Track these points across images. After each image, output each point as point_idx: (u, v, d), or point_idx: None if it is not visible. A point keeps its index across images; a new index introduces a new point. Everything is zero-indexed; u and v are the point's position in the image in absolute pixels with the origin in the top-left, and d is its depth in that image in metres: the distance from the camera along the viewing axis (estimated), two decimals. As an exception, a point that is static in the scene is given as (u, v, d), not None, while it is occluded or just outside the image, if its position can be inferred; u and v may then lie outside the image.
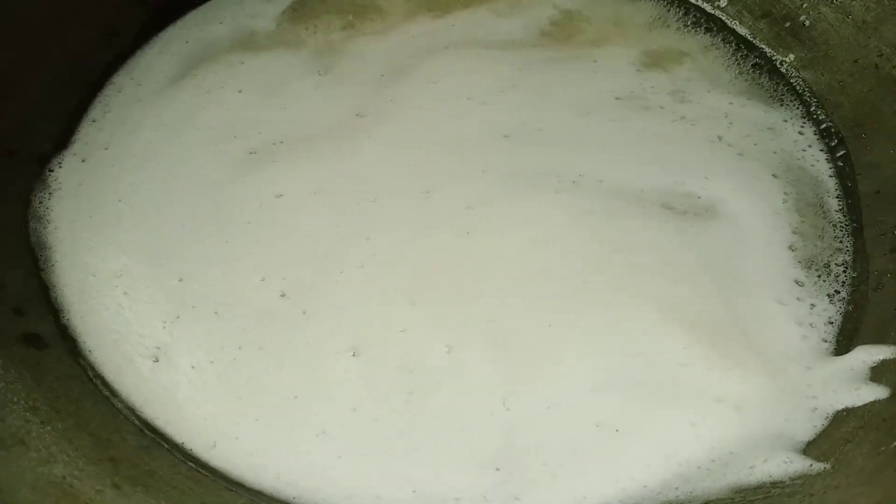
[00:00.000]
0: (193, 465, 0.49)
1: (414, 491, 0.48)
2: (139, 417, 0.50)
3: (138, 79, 0.65)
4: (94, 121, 0.63)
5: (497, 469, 0.48)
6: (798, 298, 0.56)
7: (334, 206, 0.58)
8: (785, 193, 0.61)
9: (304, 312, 0.53)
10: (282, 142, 0.61)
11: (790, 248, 0.58)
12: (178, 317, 0.53)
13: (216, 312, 0.54)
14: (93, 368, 0.52)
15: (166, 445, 0.49)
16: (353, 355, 0.52)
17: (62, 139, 0.61)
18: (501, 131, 0.62)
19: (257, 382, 0.51)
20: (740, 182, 0.61)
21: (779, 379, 0.52)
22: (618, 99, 0.65)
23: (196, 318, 0.53)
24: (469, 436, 0.49)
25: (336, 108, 0.64)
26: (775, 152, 0.64)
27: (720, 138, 0.64)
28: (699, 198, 0.60)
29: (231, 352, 0.52)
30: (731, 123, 0.65)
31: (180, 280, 0.55)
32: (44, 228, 0.57)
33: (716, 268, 0.57)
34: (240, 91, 0.64)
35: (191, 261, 0.56)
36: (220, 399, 0.51)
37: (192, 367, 0.52)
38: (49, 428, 0.47)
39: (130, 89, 0.64)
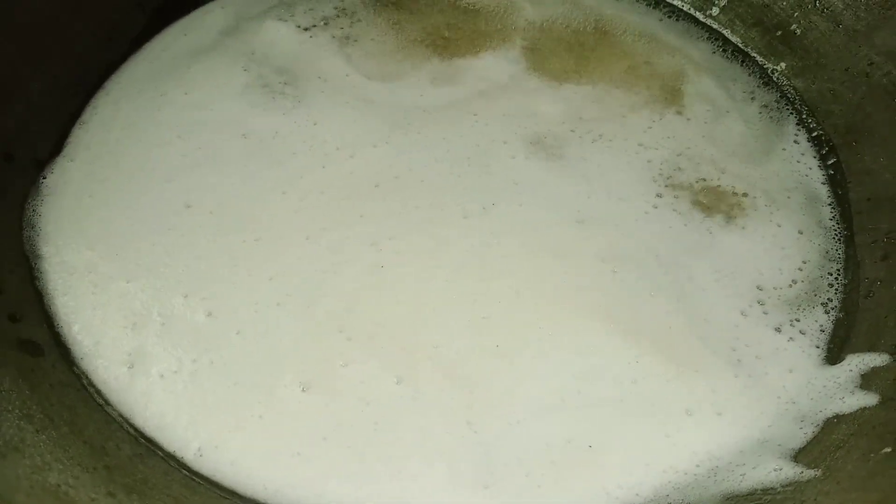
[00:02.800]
0: (187, 473, 0.49)
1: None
2: (132, 425, 0.50)
3: (124, 82, 0.66)
4: (83, 122, 0.63)
5: (486, 487, 0.48)
6: (777, 305, 0.56)
7: (226, 235, 0.57)
8: (775, 200, 0.62)
9: (238, 333, 0.53)
10: (202, 148, 0.61)
11: (780, 254, 0.59)
12: (134, 323, 0.53)
13: (162, 324, 0.53)
14: (86, 376, 0.52)
15: (160, 453, 0.49)
16: (303, 391, 0.51)
17: (60, 145, 0.61)
18: (371, 182, 0.60)
19: (220, 397, 0.51)
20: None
21: (756, 384, 0.52)
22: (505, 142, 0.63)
23: (147, 326, 0.53)
24: (447, 459, 0.49)
25: (235, 120, 0.63)
26: (766, 156, 0.64)
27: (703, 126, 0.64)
28: (646, 199, 0.60)
29: (188, 364, 0.52)
30: (714, 125, 0.66)
31: (127, 282, 0.55)
32: (37, 235, 0.57)
33: (671, 273, 0.56)
34: (185, 93, 0.65)
35: (129, 262, 0.55)
36: (194, 408, 0.50)
37: (161, 376, 0.51)
38: (44, 436, 0.46)
39: (116, 92, 0.65)
